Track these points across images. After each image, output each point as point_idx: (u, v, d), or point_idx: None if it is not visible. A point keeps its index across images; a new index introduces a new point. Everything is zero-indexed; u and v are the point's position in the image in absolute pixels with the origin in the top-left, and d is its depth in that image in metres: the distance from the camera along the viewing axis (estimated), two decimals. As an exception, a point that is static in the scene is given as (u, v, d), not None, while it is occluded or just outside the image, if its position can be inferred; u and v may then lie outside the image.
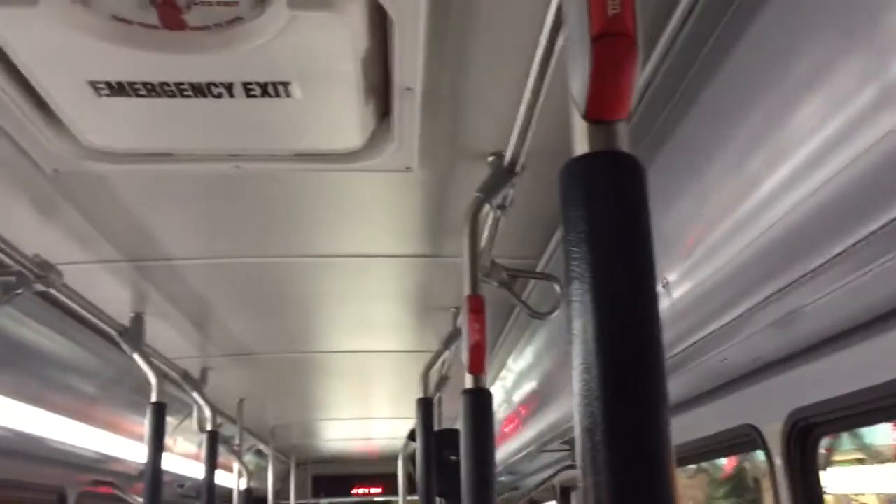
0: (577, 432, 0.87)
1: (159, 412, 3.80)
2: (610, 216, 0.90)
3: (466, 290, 2.15)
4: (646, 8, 1.68)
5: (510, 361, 4.83)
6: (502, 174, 2.14)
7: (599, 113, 0.91)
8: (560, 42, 1.64)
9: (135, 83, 1.86)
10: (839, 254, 1.66)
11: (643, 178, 0.92)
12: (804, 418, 2.53)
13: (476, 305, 2.10)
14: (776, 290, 1.95)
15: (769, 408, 2.71)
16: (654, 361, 0.86)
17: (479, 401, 2.09)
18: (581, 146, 0.93)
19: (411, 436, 4.92)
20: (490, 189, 2.17)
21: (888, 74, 1.29)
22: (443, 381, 4.46)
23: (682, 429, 3.31)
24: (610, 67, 0.88)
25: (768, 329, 2.24)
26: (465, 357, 2.08)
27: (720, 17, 1.67)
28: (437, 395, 4.49)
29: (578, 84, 0.91)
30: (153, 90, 1.88)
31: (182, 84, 1.87)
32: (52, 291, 2.84)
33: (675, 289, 2.36)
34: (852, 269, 1.74)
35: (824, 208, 1.57)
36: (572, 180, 0.92)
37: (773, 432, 2.67)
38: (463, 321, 2.10)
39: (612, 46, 0.88)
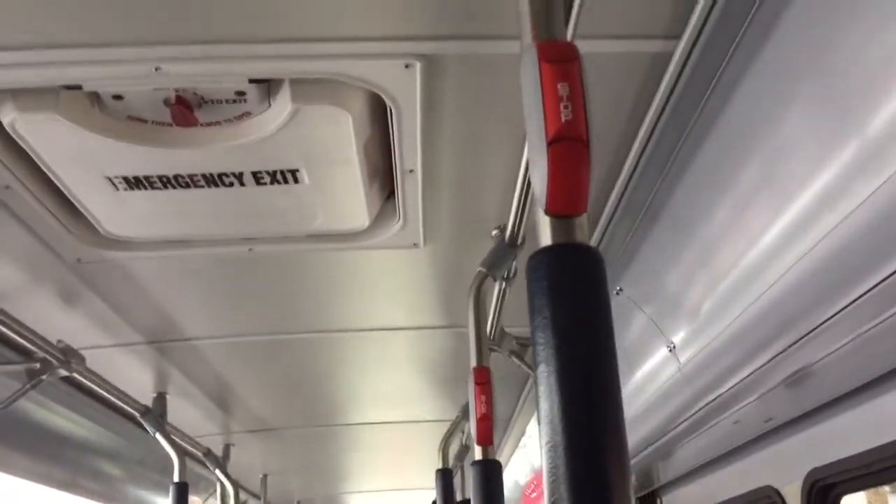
0: None
1: (182, 492, 3.82)
2: (570, 305, 0.97)
3: (473, 363, 2.18)
4: (638, 71, 1.76)
5: (529, 427, 4.80)
6: (505, 248, 2.18)
7: (559, 209, 0.99)
8: None
9: (150, 177, 1.96)
10: (844, 308, 1.67)
11: (601, 267, 0.99)
12: (822, 478, 2.50)
13: (482, 378, 2.13)
14: (784, 349, 1.96)
15: (787, 468, 2.68)
16: (615, 443, 0.90)
17: (489, 472, 2.10)
18: (545, 238, 1.00)
19: (433, 507, 4.87)
20: (493, 263, 2.21)
21: (869, 129, 1.34)
22: (464, 450, 4.43)
23: (701, 493, 3.27)
24: (565, 169, 0.96)
25: (779, 388, 2.23)
26: (473, 429, 2.09)
27: (709, 83, 1.73)
28: (460, 464, 4.46)
29: (539, 183, 0.98)
30: (168, 182, 1.99)
31: (195, 175, 1.97)
32: (76, 376, 2.91)
33: (682, 352, 2.37)
34: (860, 323, 1.74)
35: (824, 263, 1.59)
36: (536, 271, 0.99)
37: (793, 493, 2.63)
38: (470, 394, 2.13)
39: (566, 150, 0.96)
